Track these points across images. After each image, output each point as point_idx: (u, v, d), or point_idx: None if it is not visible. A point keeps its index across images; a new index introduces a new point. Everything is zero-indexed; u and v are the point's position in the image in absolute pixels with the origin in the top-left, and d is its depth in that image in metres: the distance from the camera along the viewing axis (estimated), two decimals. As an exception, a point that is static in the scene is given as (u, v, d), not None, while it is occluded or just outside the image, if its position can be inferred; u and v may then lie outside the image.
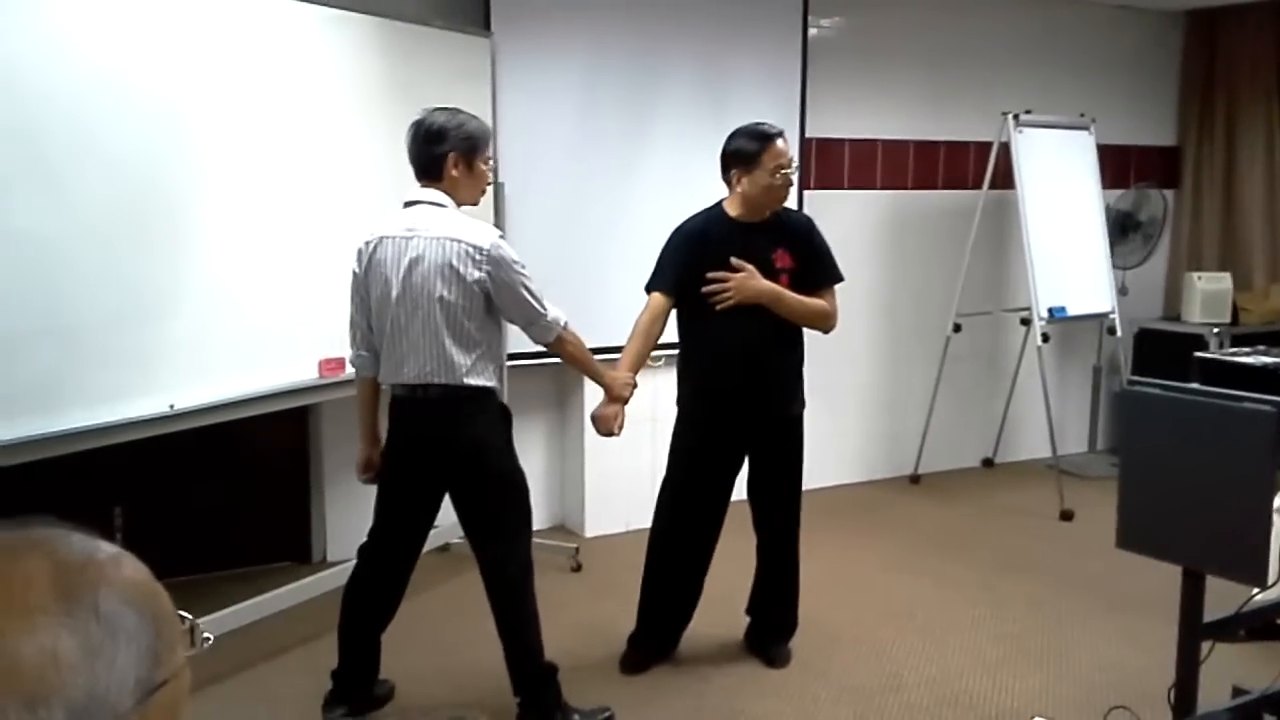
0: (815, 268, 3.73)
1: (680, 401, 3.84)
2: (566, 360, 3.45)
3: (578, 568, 4.87)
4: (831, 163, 6.11)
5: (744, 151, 3.61)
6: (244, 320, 3.73)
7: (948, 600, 4.58)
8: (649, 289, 3.74)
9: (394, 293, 3.15)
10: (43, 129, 3.11)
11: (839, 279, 3.80)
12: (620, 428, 3.61)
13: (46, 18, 3.12)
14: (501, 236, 3.22)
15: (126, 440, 3.37)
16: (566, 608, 4.40)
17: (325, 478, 4.92)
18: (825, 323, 3.79)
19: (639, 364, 3.67)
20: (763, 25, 5.58)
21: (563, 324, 3.27)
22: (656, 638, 3.94)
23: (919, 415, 6.34)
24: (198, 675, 0.82)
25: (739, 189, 3.64)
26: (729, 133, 3.69)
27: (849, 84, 6.06)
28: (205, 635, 0.85)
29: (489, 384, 3.23)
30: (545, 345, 3.33)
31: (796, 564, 3.98)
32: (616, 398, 3.52)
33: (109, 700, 0.72)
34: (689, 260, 3.66)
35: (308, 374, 3.98)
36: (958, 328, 6.21)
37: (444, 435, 3.22)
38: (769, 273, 3.65)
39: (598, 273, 5.04)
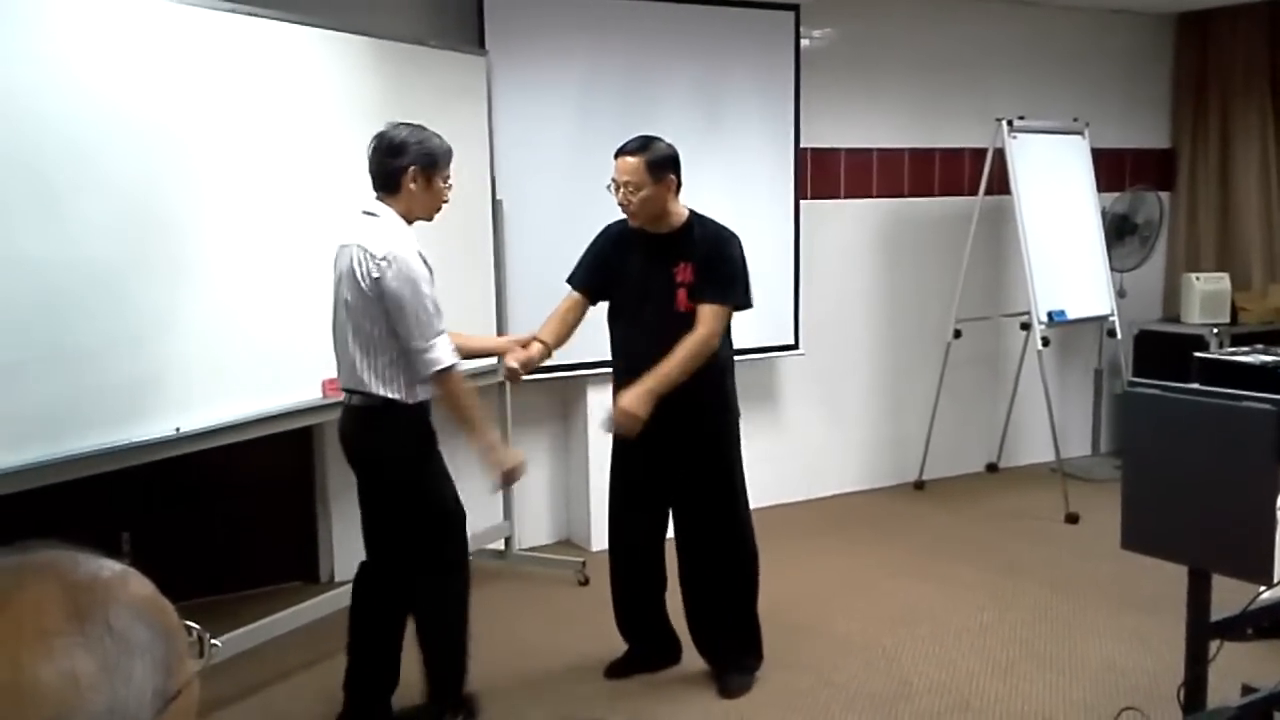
0: (702, 282, 3.59)
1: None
2: (444, 406, 3.28)
3: (585, 581, 4.87)
4: (827, 173, 6.13)
5: None
6: (248, 342, 3.74)
7: (955, 605, 4.58)
8: (569, 281, 3.82)
9: (333, 301, 3.32)
10: (43, 155, 3.12)
11: (723, 301, 3.59)
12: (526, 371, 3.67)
13: (44, 44, 3.14)
14: (420, 255, 3.18)
15: (133, 464, 3.38)
16: (575, 622, 4.41)
17: (331, 497, 4.93)
18: (703, 350, 3.54)
19: (550, 335, 3.71)
20: (756, 38, 5.61)
21: (445, 366, 3.16)
22: (642, 654, 3.93)
23: (922, 422, 6.34)
24: (207, 696, 0.83)
25: None
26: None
27: (842, 94, 6.09)
28: (214, 643, 0.87)
29: (395, 396, 3.21)
30: (426, 380, 3.22)
31: (750, 586, 3.81)
32: (496, 463, 3.32)
33: (130, 713, 0.74)
34: (597, 261, 3.76)
35: (312, 394, 3.99)
36: (958, 333, 6.22)
37: (350, 444, 3.37)
38: (668, 286, 3.61)
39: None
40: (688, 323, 3.58)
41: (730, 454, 3.78)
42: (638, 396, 3.50)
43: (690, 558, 3.82)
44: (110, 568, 0.80)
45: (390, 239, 3.18)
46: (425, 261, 3.21)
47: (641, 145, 3.60)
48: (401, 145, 3.23)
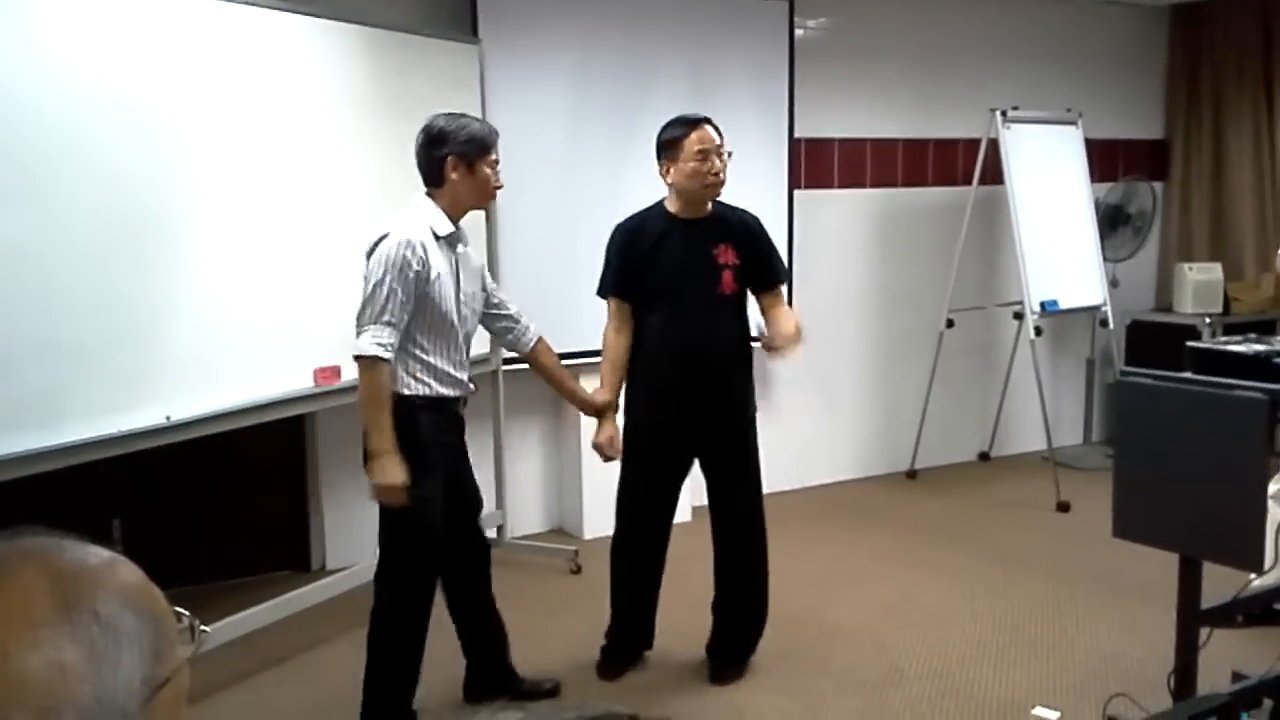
0: (764, 266, 3.69)
1: (630, 403, 3.75)
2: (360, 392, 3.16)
3: (577, 569, 4.88)
4: (821, 162, 6.13)
5: (668, 140, 3.56)
6: (239, 331, 3.74)
7: (947, 593, 4.60)
8: (600, 294, 3.73)
9: None
10: (32, 145, 3.11)
11: (787, 278, 3.75)
12: (618, 450, 3.68)
13: (33, 34, 3.12)
14: (408, 241, 3.09)
15: (124, 453, 3.37)
16: (567, 610, 4.42)
17: (323, 486, 4.93)
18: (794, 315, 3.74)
19: (619, 382, 3.68)
20: (749, 28, 5.60)
21: (369, 354, 3.06)
22: (630, 643, 3.91)
23: (914, 411, 6.35)
24: (197, 684, 0.83)
25: (669, 179, 3.59)
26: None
27: (837, 84, 6.08)
28: (203, 629, 0.86)
29: (398, 390, 3.15)
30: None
31: (764, 576, 3.82)
32: (375, 473, 3.12)
33: (118, 701, 0.74)
34: (630, 256, 3.65)
35: (303, 383, 3.98)
36: (951, 323, 6.23)
37: None
38: (711, 269, 3.59)
39: (588, 278, 4.99)
40: (732, 305, 3.63)
41: (757, 438, 3.81)
42: (786, 317, 3.63)
43: (728, 542, 3.79)
44: (98, 555, 0.80)
45: (397, 223, 3.15)
46: (422, 250, 3.11)
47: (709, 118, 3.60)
48: (439, 136, 3.19)
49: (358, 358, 3.10)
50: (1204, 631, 2.96)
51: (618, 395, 3.71)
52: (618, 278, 3.69)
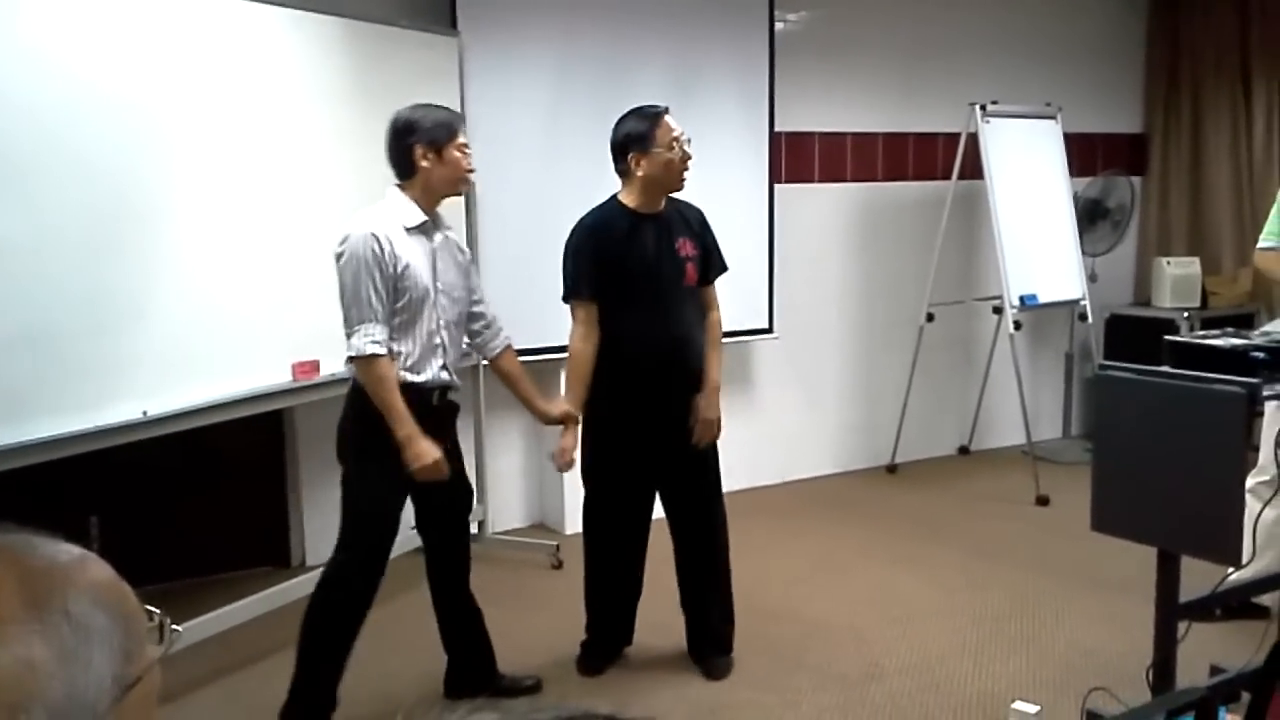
0: (709, 261, 3.71)
1: (597, 407, 3.64)
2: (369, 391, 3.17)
3: (558, 565, 4.87)
4: (802, 156, 6.13)
5: (636, 133, 3.52)
6: (217, 325, 3.71)
7: (926, 587, 4.61)
8: (570, 298, 3.62)
9: None
10: (10, 135, 3.08)
11: (726, 268, 3.80)
12: (569, 463, 3.66)
13: (11, 25, 3.09)
14: (370, 235, 3.09)
15: (100, 448, 3.34)
16: (548, 606, 4.41)
17: (302, 481, 4.90)
18: (721, 323, 3.78)
19: (584, 394, 3.61)
20: (730, 21, 5.59)
21: (365, 354, 3.09)
22: (608, 640, 3.91)
23: (894, 405, 6.37)
24: (176, 681, 0.82)
25: (639, 172, 3.53)
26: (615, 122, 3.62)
27: (817, 77, 6.08)
28: (174, 628, 0.85)
29: (349, 374, 3.22)
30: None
31: (727, 571, 3.85)
32: (413, 457, 3.16)
33: (88, 700, 0.73)
34: (602, 256, 3.59)
35: (281, 377, 3.96)
36: (931, 317, 6.24)
37: None
38: (676, 262, 3.60)
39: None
40: (697, 297, 3.66)
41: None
42: (713, 403, 3.65)
43: (686, 542, 3.80)
44: (68, 552, 0.79)
45: (358, 220, 3.16)
46: (387, 242, 3.10)
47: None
48: (406, 126, 3.20)
49: (355, 360, 3.12)
50: (1183, 625, 2.97)
51: (580, 408, 3.61)
52: (592, 279, 3.58)
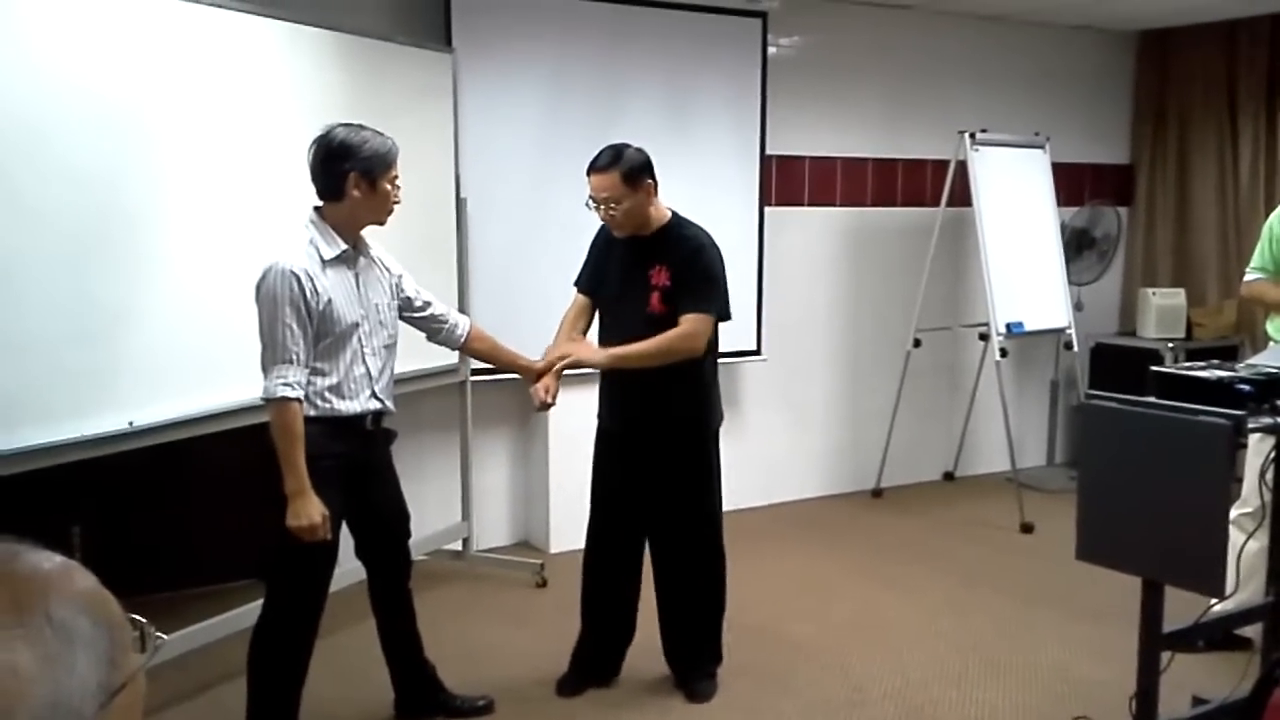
0: (681, 291, 3.56)
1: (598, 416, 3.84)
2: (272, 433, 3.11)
3: (543, 584, 4.86)
4: (792, 180, 6.16)
5: (650, 168, 3.63)
6: (204, 336, 3.69)
7: (910, 613, 4.61)
8: (576, 284, 3.84)
9: None
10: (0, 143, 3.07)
11: (706, 311, 3.57)
12: (553, 396, 3.56)
13: (6, 35, 3.08)
14: (289, 272, 3.00)
15: (85, 458, 3.32)
16: (531, 624, 4.39)
17: (286, 495, 4.87)
18: (681, 346, 3.53)
19: (566, 338, 3.72)
20: (723, 44, 5.62)
21: (275, 396, 3.03)
22: (597, 661, 3.89)
23: (880, 429, 6.38)
24: (159, 692, 0.82)
25: (651, 205, 3.63)
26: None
27: (808, 103, 6.12)
28: (158, 636, 0.85)
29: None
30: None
31: (719, 592, 3.82)
32: (294, 514, 3.12)
33: (73, 705, 0.73)
34: (594, 263, 3.78)
35: (269, 391, 3.94)
36: (918, 343, 6.26)
37: None
38: (643, 288, 3.58)
39: (560, 288, 5.01)
40: (660, 325, 3.55)
41: (709, 465, 3.75)
42: (594, 349, 3.66)
43: (667, 567, 3.79)
44: (52, 560, 0.80)
45: (272, 260, 3.04)
46: (308, 280, 3.02)
47: (613, 158, 3.52)
48: (341, 150, 3.05)
49: (266, 401, 3.06)
50: (1165, 655, 2.98)
51: (565, 350, 3.60)
52: (585, 274, 3.81)
